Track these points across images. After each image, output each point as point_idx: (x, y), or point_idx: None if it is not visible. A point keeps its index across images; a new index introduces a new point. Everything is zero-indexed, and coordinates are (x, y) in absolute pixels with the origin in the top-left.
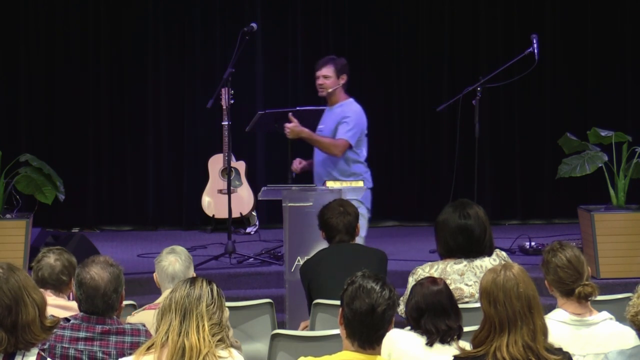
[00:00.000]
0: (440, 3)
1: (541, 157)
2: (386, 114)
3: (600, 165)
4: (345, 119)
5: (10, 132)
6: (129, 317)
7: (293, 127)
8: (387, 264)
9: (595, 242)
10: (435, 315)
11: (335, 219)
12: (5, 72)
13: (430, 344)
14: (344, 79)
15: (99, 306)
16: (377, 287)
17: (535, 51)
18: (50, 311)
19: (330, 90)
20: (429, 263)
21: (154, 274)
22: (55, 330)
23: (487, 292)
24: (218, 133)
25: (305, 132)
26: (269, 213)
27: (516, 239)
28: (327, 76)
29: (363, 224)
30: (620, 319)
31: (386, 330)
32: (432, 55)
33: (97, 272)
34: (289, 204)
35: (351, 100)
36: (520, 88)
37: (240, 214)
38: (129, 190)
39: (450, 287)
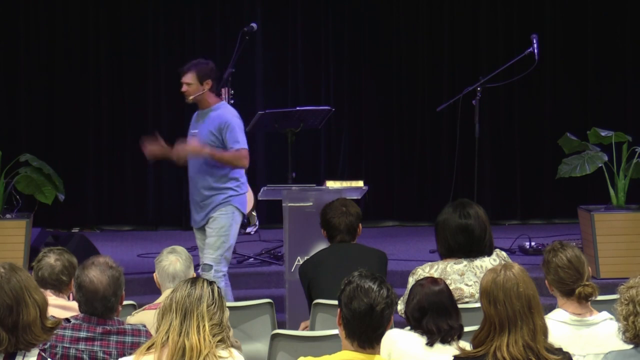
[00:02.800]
0: (440, 3)
1: (541, 157)
2: (386, 114)
3: (600, 165)
4: (227, 125)
5: (10, 132)
6: (128, 317)
7: (194, 147)
8: (388, 264)
9: (595, 242)
10: (438, 315)
11: (337, 218)
12: (5, 72)
13: (430, 344)
14: (209, 84)
15: (98, 309)
16: (375, 286)
17: (535, 51)
18: (51, 311)
19: (192, 97)
20: (429, 263)
21: (154, 274)
22: (56, 330)
23: (487, 292)
24: None
25: (207, 149)
26: (269, 213)
27: (516, 239)
28: (189, 83)
29: (235, 231)
30: None
31: (385, 329)
32: (432, 55)
33: (96, 275)
34: (289, 204)
35: (224, 103)
36: (520, 88)
37: None
38: (129, 190)
39: (450, 287)
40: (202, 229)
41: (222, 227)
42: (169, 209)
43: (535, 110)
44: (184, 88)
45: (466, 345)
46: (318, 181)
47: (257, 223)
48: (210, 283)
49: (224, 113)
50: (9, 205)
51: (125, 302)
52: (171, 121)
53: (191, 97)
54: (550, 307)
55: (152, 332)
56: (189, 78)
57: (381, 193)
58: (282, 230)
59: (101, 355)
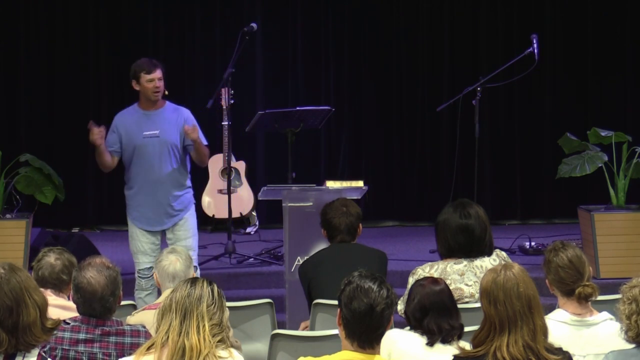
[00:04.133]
0: (440, 3)
1: (541, 157)
2: (386, 114)
3: (600, 165)
4: (194, 125)
5: (10, 132)
6: (128, 317)
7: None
8: (388, 264)
9: (595, 242)
10: (439, 314)
11: (338, 219)
12: (5, 72)
13: (431, 343)
14: None
15: (96, 309)
16: (375, 287)
17: (535, 51)
18: (51, 311)
19: (164, 93)
20: (429, 263)
21: (154, 274)
22: (55, 332)
23: (488, 292)
24: (218, 133)
25: (199, 138)
26: (269, 213)
27: (516, 239)
28: (161, 79)
29: (194, 224)
30: None
31: (385, 329)
32: (432, 55)
33: (93, 276)
34: (289, 204)
35: (169, 102)
36: (520, 88)
37: (240, 214)
38: None
39: (451, 287)
40: (158, 232)
41: (193, 226)
42: None
43: (535, 110)
44: (158, 84)
45: (466, 345)
46: (318, 181)
47: (257, 223)
48: (210, 283)
49: (184, 112)
50: (9, 205)
51: (125, 302)
52: None
53: (166, 93)
54: (551, 307)
55: (152, 332)
56: (161, 74)
57: (381, 193)
58: (282, 230)
59: (100, 356)
